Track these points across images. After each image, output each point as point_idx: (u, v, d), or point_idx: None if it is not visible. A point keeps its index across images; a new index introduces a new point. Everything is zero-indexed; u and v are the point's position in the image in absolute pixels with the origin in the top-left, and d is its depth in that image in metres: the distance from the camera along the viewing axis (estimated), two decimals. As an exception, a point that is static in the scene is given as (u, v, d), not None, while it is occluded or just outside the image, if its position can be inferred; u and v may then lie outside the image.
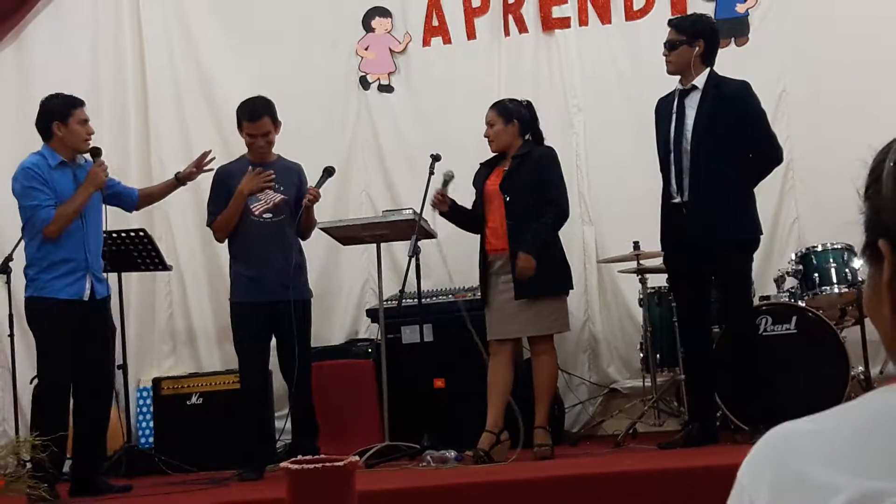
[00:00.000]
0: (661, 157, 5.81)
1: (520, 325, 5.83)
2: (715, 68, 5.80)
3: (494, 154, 6.12)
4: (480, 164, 6.18)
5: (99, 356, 5.65)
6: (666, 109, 5.82)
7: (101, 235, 5.81)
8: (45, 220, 5.51)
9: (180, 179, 6.10)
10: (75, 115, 5.66)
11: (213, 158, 6.18)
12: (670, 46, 5.75)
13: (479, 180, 6.07)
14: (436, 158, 6.09)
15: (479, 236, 6.08)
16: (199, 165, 6.08)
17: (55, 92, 5.80)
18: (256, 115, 6.07)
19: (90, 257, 5.63)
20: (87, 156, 5.79)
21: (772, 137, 5.78)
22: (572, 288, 6.13)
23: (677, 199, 5.68)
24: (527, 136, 6.09)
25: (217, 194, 6.14)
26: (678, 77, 5.81)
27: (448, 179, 6.05)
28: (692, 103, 5.69)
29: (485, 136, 6.08)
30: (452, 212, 6.09)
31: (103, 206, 5.86)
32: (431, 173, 6.04)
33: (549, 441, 5.77)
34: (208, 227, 6.22)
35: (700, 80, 5.72)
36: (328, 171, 6.19)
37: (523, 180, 5.89)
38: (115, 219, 7.43)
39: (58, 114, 5.64)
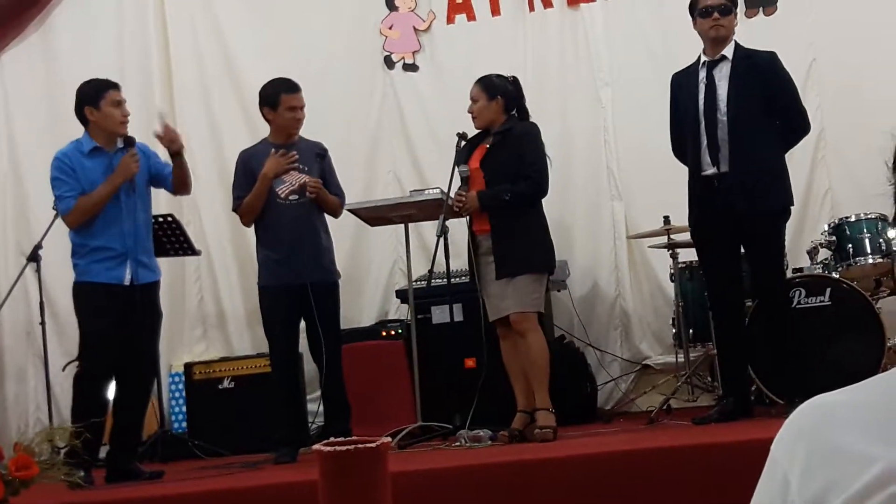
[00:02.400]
0: (687, 130, 5.74)
1: (503, 303, 5.72)
2: (743, 38, 5.74)
3: (478, 131, 6.00)
4: (465, 140, 6.03)
5: (143, 343, 5.62)
6: (690, 81, 5.75)
7: (146, 221, 5.73)
8: (64, 211, 5.51)
9: (173, 154, 5.78)
10: (107, 98, 5.60)
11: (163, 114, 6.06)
12: (724, 11, 5.67)
13: (462, 158, 5.93)
14: (462, 137, 6.02)
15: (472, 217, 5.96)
16: (166, 133, 5.73)
17: (90, 78, 5.77)
18: (296, 86, 6.08)
19: (130, 243, 5.56)
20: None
21: (801, 108, 5.74)
22: (553, 267, 5.99)
23: (710, 171, 5.61)
24: (512, 113, 5.98)
25: (241, 178, 6.10)
26: (700, 49, 5.76)
27: (466, 177, 5.93)
28: (723, 74, 5.64)
29: (468, 112, 5.95)
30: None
31: (150, 189, 5.80)
32: (458, 151, 5.99)
33: (551, 423, 5.60)
34: (234, 212, 6.18)
35: (728, 51, 5.67)
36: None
37: (503, 158, 5.78)
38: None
39: (89, 98, 5.60)
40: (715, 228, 5.62)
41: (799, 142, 5.87)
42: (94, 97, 5.60)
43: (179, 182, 5.86)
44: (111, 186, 5.53)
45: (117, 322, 5.48)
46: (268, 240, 6.05)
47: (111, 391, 5.62)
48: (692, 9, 5.77)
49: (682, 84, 5.82)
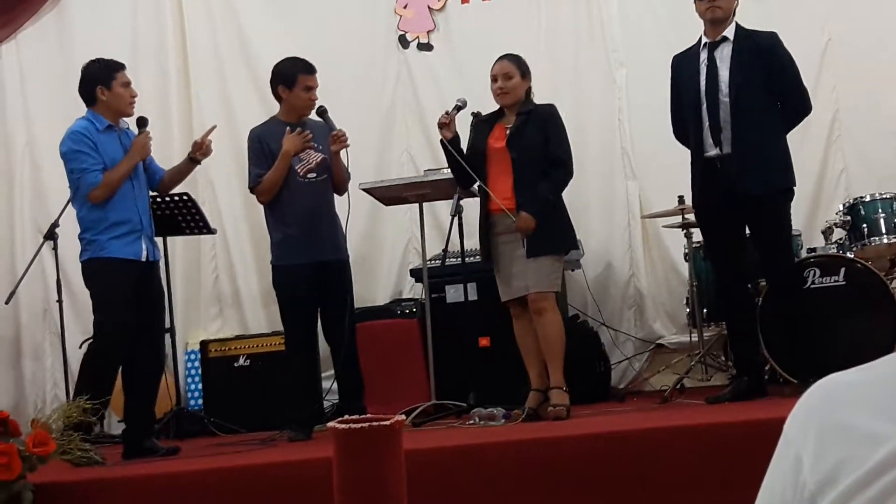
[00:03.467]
0: (688, 112, 5.73)
1: (524, 282, 5.71)
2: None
3: (494, 110, 5.95)
4: (478, 120, 5.98)
5: (154, 320, 5.68)
6: (690, 63, 5.74)
7: (147, 200, 5.82)
8: (91, 185, 5.51)
9: (194, 159, 5.98)
10: (118, 79, 5.66)
11: (215, 127, 6.17)
12: None
13: (482, 137, 5.89)
14: (477, 116, 5.92)
15: (486, 196, 5.95)
16: (204, 141, 5.95)
17: (95, 57, 5.81)
18: (313, 67, 6.09)
19: (143, 219, 5.65)
20: (131, 121, 5.78)
21: (802, 88, 5.70)
22: (574, 248, 6.02)
23: (713, 153, 5.61)
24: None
25: (259, 156, 6.07)
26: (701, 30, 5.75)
27: (461, 106, 5.92)
28: (724, 55, 5.62)
29: (499, 88, 5.83)
30: (454, 145, 5.85)
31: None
32: (464, 105, 5.94)
33: (565, 401, 5.62)
34: (251, 189, 6.16)
35: (729, 32, 5.66)
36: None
37: (530, 137, 5.74)
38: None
39: (101, 78, 5.64)
40: (718, 209, 5.62)
41: (800, 122, 5.83)
42: (106, 77, 5.65)
43: (174, 183, 6.09)
44: (131, 164, 5.61)
45: (133, 297, 5.52)
46: (286, 218, 6.04)
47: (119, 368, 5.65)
48: None
49: (683, 66, 5.81)
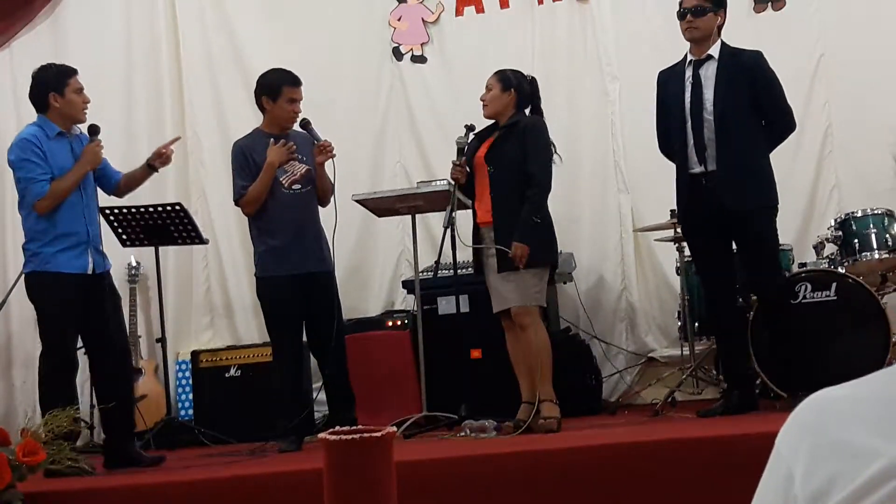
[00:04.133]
0: (673, 129, 5.76)
1: (507, 296, 5.72)
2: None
3: (489, 124, 5.99)
4: (472, 133, 6.03)
5: (110, 329, 5.59)
6: (675, 80, 5.78)
7: (97, 210, 5.72)
8: (38, 195, 5.44)
9: (151, 165, 5.90)
10: (71, 85, 5.58)
11: (179, 138, 6.16)
12: (698, 12, 5.68)
13: (470, 151, 5.95)
14: (470, 129, 6.02)
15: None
16: (167, 150, 5.89)
17: (47, 62, 5.74)
18: (298, 80, 6.09)
19: (91, 230, 5.57)
20: (83, 128, 5.70)
21: (785, 106, 5.73)
22: (556, 261, 5.97)
23: (697, 170, 5.64)
24: (523, 110, 5.96)
25: (244, 168, 6.05)
26: (687, 47, 5.77)
27: (462, 147, 5.95)
28: (709, 73, 5.66)
29: (480, 100, 5.93)
30: (471, 183, 5.95)
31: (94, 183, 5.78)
32: (467, 143, 5.99)
33: (555, 414, 5.63)
34: (236, 201, 6.12)
35: (714, 50, 5.70)
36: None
37: (508, 151, 5.77)
38: (151, 193, 7.48)
39: (53, 85, 5.56)
40: (704, 224, 5.66)
41: (784, 140, 5.88)
42: (58, 83, 5.57)
43: (129, 189, 5.98)
44: (81, 173, 5.52)
45: (80, 311, 5.46)
46: (270, 230, 6.03)
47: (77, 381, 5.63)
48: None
49: (669, 82, 5.84)
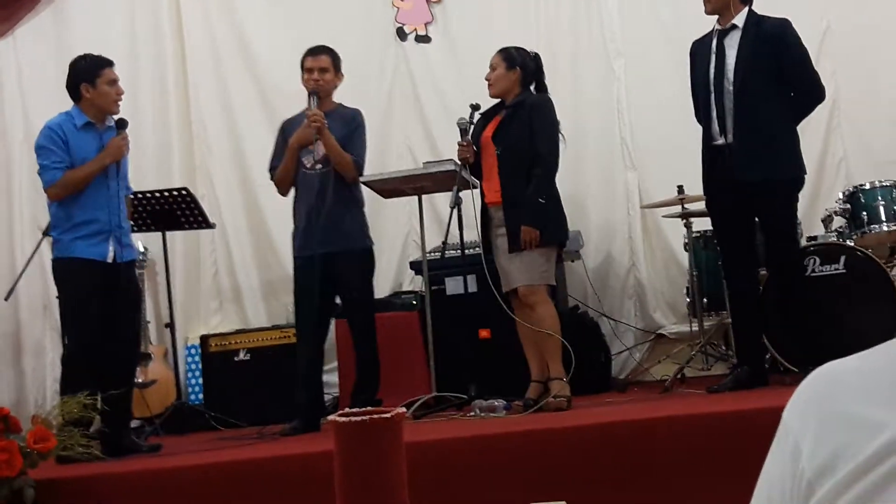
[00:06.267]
0: (700, 99, 5.71)
1: (514, 275, 5.73)
2: (753, 7, 5.68)
3: (495, 103, 5.98)
4: (478, 112, 6.00)
5: (125, 320, 5.60)
6: (703, 50, 5.71)
7: (122, 202, 5.68)
8: (49, 182, 5.46)
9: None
10: (104, 76, 5.58)
11: None
12: None
13: (477, 130, 5.95)
14: (475, 108, 6.00)
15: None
16: None
17: (84, 53, 5.76)
18: (317, 49, 6.10)
19: (114, 220, 5.55)
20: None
21: (813, 75, 5.64)
22: (565, 239, 5.97)
23: (720, 141, 5.58)
24: (529, 87, 5.94)
25: (277, 147, 6.17)
26: (716, 17, 5.70)
27: (465, 127, 5.94)
28: (732, 43, 5.58)
29: (486, 80, 5.93)
30: (479, 163, 5.96)
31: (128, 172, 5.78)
32: (471, 123, 5.97)
33: (565, 392, 5.62)
34: (272, 181, 6.22)
35: (739, 19, 5.61)
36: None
37: (514, 131, 5.76)
38: (157, 178, 7.48)
39: (86, 75, 5.57)
40: (726, 198, 5.60)
41: (812, 110, 5.78)
42: (91, 74, 5.57)
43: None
44: (99, 165, 5.51)
45: (100, 300, 5.47)
46: (295, 210, 6.13)
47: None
48: None
49: (697, 53, 5.78)
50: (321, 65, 6.07)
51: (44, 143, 5.51)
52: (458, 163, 5.91)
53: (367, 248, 6.18)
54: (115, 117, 5.64)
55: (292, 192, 6.16)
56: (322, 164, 6.01)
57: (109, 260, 5.53)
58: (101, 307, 5.47)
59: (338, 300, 6.19)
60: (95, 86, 5.56)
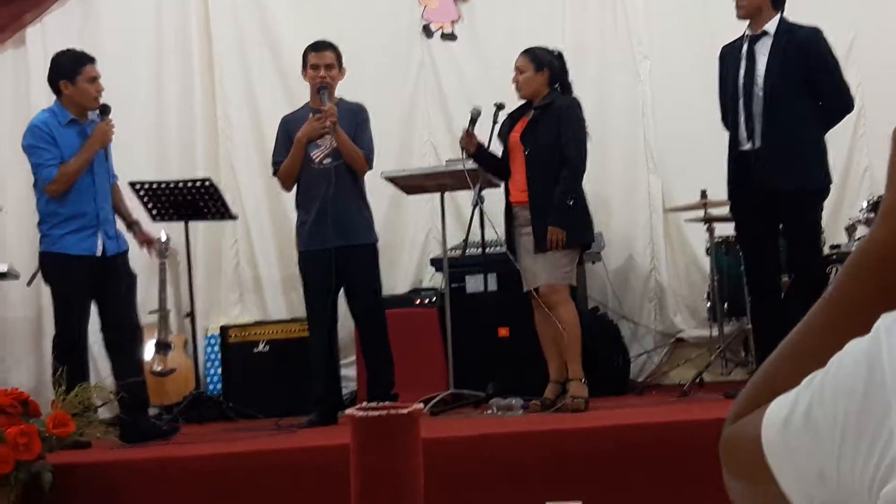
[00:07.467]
0: (728, 104, 5.70)
1: (536, 275, 5.73)
2: (785, 14, 5.67)
3: (522, 103, 5.99)
4: (502, 111, 6.01)
5: (119, 310, 5.65)
6: (733, 56, 5.71)
7: (109, 192, 5.75)
8: (46, 179, 5.50)
9: (132, 224, 6.02)
10: (84, 73, 5.60)
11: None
12: None
13: (504, 130, 5.96)
14: (499, 107, 5.99)
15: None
16: (154, 245, 6.26)
17: (66, 48, 5.79)
18: (321, 45, 6.11)
19: (101, 213, 5.60)
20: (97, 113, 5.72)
21: (842, 85, 5.62)
22: (591, 241, 6.00)
23: (747, 147, 5.57)
24: (555, 87, 5.94)
25: (281, 143, 6.16)
26: (746, 22, 5.69)
27: (475, 117, 5.95)
28: (763, 49, 5.58)
29: (513, 83, 5.93)
30: (480, 155, 5.96)
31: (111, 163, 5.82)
32: (495, 122, 5.97)
33: (583, 393, 5.60)
34: (275, 176, 6.25)
35: (771, 26, 5.60)
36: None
37: (543, 132, 5.76)
38: (180, 168, 7.50)
39: (66, 71, 5.60)
40: (750, 203, 5.59)
41: (841, 120, 5.76)
42: (71, 71, 5.60)
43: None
44: (89, 153, 5.55)
45: (90, 292, 5.53)
46: (301, 204, 6.13)
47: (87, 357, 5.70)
48: None
49: (727, 58, 5.78)
50: (327, 61, 6.08)
51: (33, 142, 5.55)
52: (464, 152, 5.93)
53: (374, 243, 6.19)
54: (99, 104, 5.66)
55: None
56: (331, 157, 6.02)
57: (98, 254, 5.57)
58: (93, 298, 5.55)
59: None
60: (75, 83, 5.58)
